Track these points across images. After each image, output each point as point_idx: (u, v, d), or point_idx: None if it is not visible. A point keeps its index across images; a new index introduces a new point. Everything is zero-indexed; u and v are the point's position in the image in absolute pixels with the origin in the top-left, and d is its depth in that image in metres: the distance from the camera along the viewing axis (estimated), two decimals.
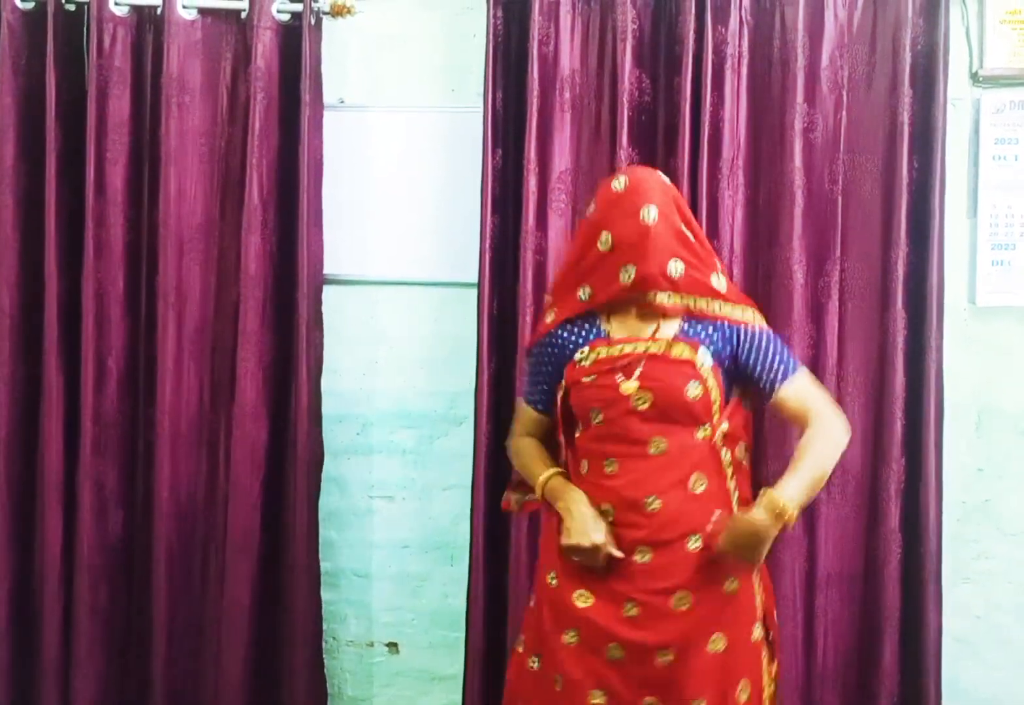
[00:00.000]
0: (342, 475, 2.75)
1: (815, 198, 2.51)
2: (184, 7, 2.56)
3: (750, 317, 1.95)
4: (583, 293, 1.92)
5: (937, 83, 2.45)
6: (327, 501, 2.70)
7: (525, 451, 2.07)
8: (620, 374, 1.87)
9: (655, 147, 2.52)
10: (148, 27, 2.60)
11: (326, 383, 2.68)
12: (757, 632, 1.91)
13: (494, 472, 2.55)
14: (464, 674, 2.59)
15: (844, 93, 2.50)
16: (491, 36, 2.51)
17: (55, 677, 2.61)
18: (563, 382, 1.95)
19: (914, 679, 2.49)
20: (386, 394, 2.75)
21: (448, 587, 2.74)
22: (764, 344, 1.92)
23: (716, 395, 1.87)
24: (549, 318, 2.00)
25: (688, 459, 1.87)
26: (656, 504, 1.84)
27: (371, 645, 2.80)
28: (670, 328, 1.90)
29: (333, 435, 2.72)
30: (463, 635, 2.60)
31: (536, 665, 1.94)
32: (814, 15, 2.48)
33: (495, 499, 2.53)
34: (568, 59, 2.53)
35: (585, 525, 1.84)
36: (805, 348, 2.50)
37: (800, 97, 2.46)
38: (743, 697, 1.87)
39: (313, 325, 2.63)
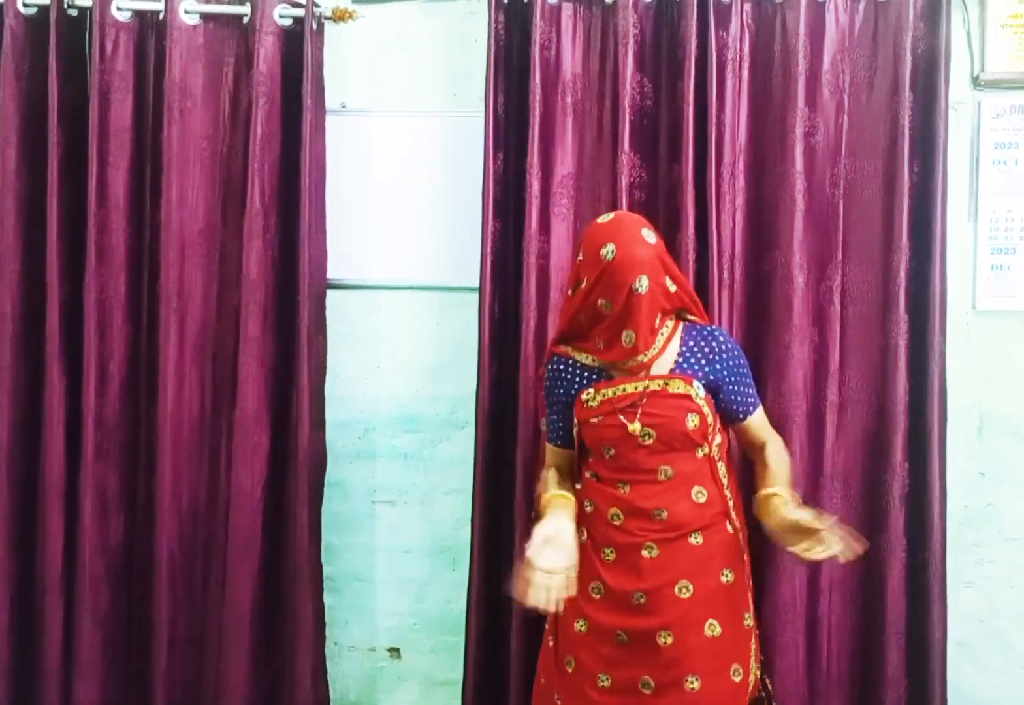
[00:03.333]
0: (344, 479, 2.75)
1: (816, 202, 2.51)
2: (186, 12, 2.56)
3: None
4: (599, 344, 2.04)
5: (938, 87, 2.45)
6: (329, 505, 2.70)
7: (543, 481, 2.18)
8: (623, 416, 2.02)
9: (657, 151, 2.53)
10: (150, 32, 2.60)
11: (328, 387, 2.68)
12: (748, 620, 2.12)
13: (494, 476, 2.55)
14: (464, 679, 2.59)
15: (845, 97, 2.51)
16: (493, 40, 2.51)
17: (56, 682, 2.61)
18: (575, 418, 2.10)
19: (920, 686, 2.48)
20: (388, 398, 2.75)
21: (450, 592, 2.73)
22: (742, 377, 2.12)
23: (712, 419, 2.07)
24: (559, 348, 2.15)
25: (691, 477, 2.07)
26: (664, 515, 2.04)
27: (373, 650, 2.80)
28: (665, 363, 2.06)
29: (335, 439, 2.72)
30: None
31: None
32: (815, 19, 2.48)
33: (495, 503, 2.54)
34: (570, 63, 2.54)
35: (541, 548, 1.94)
36: (807, 352, 2.50)
37: (801, 101, 2.46)
38: (736, 678, 2.07)
39: (315, 329, 2.63)
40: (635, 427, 2.01)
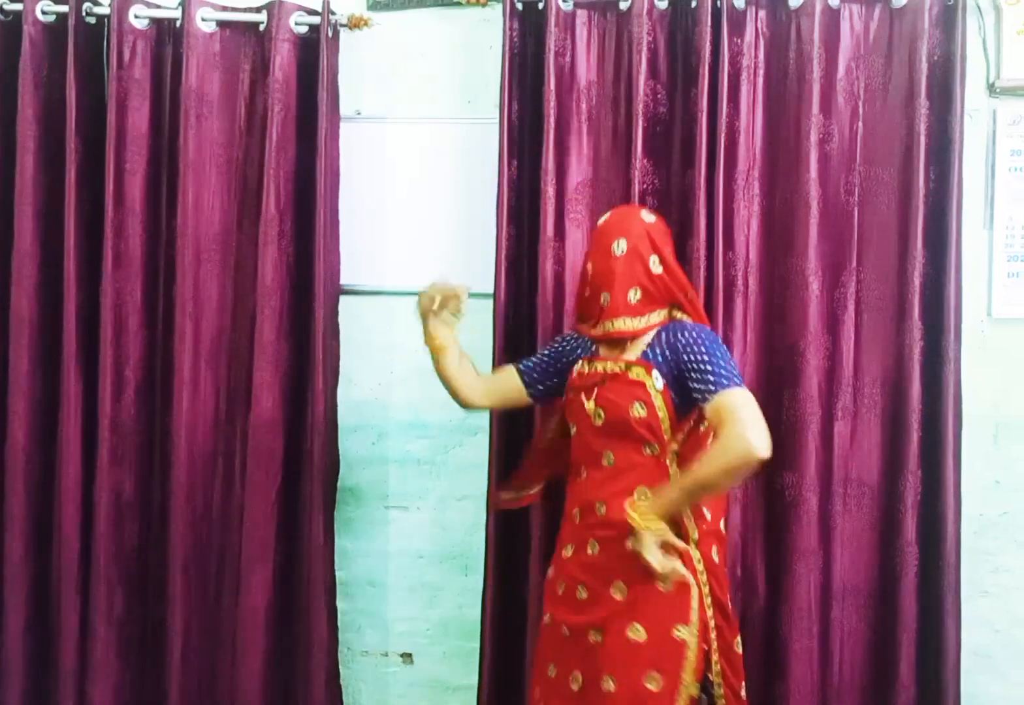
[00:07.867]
0: (357, 485, 2.76)
1: (831, 209, 2.50)
2: (203, 20, 2.58)
3: (693, 337, 2.04)
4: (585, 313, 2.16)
5: (954, 94, 2.44)
6: (342, 511, 2.71)
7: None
8: (583, 393, 2.11)
9: (671, 158, 2.53)
10: (167, 40, 2.63)
11: (342, 393, 2.69)
12: (681, 633, 2.01)
13: None
14: (479, 685, 2.59)
15: (860, 104, 2.50)
16: (507, 48, 2.52)
17: (71, 686, 2.62)
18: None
19: (932, 694, 2.47)
20: (401, 404, 2.76)
21: (463, 597, 2.73)
22: (704, 359, 1.99)
23: (664, 415, 2.03)
24: (578, 326, 2.24)
25: (633, 473, 2.05)
26: (603, 510, 2.06)
27: (386, 655, 2.80)
28: (635, 351, 2.09)
29: (349, 445, 2.72)
30: (477, 645, 2.59)
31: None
32: (830, 26, 2.48)
33: (508, 509, 2.53)
34: (584, 70, 2.54)
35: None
36: (821, 359, 2.50)
37: (816, 108, 2.45)
38: (651, 685, 2.00)
39: (329, 335, 2.65)
40: (590, 406, 2.08)
